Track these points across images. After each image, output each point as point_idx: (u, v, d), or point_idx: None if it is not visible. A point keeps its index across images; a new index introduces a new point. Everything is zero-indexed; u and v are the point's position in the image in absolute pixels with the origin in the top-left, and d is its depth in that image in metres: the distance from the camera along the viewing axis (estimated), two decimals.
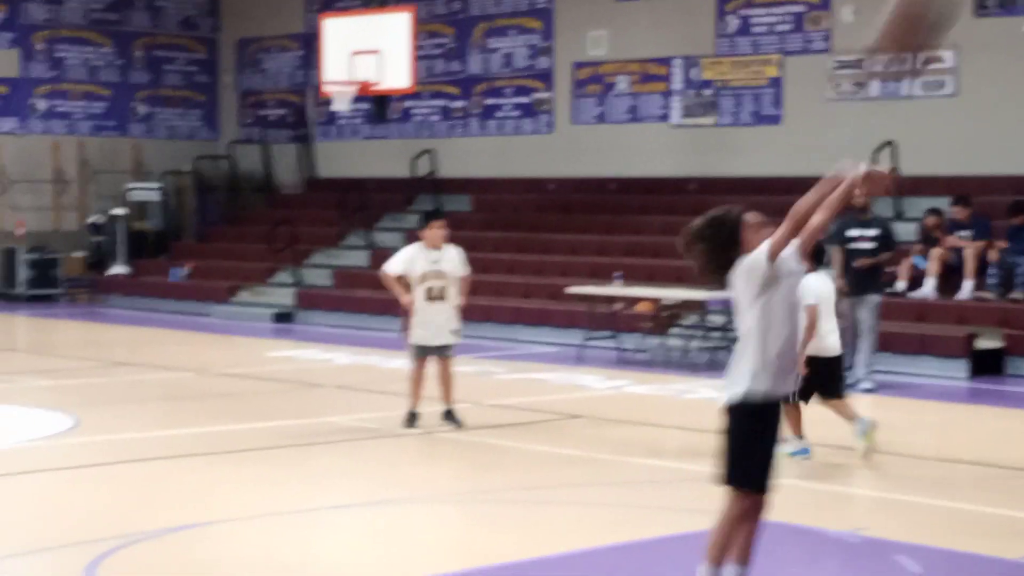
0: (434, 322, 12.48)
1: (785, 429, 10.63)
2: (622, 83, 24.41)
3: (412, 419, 12.51)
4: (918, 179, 20.19)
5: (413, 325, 12.47)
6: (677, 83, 23.71)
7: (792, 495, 10.13)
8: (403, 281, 12.60)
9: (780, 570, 8.11)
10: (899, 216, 19.91)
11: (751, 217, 6.32)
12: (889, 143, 20.27)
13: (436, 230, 12.53)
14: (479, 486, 10.52)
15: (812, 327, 10.78)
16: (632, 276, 19.99)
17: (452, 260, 12.63)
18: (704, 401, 14.97)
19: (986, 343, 16.92)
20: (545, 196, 24.87)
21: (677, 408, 14.60)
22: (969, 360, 16.72)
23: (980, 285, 17.93)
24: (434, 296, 12.49)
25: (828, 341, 11.14)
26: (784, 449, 11.48)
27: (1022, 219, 17.95)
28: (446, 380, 12.60)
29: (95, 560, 8.04)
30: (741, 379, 6.12)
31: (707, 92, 23.40)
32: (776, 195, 21.69)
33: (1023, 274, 17.58)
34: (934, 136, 20.59)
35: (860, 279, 15.40)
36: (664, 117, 23.88)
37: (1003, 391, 15.96)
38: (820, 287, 11.14)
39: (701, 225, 6.32)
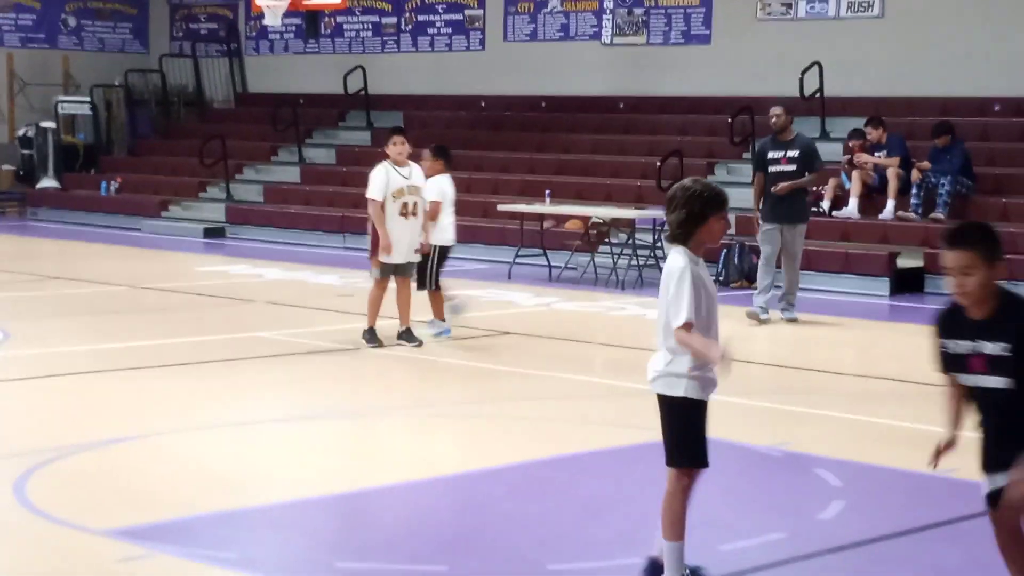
0: (403, 240, 12.50)
1: (428, 313, 12.78)
2: (554, 1, 24.41)
3: (373, 335, 12.58)
4: (844, 99, 20.44)
5: (383, 244, 12.42)
6: (608, 1, 23.74)
7: (717, 410, 10.38)
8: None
9: (705, 485, 8.33)
10: (825, 136, 20.16)
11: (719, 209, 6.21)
12: (816, 63, 20.47)
13: (400, 145, 12.60)
14: (413, 401, 10.69)
15: (433, 218, 12.80)
16: (562, 194, 20.16)
17: (420, 176, 12.74)
18: (632, 318, 15.21)
19: (907, 262, 17.25)
20: (477, 113, 24.91)
21: (605, 325, 14.82)
22: (891, 278, 17.06)
23: (903, 205, 18.25)
24: (408, 212, 12.53)
25: (449, 233, 13.04)
26: (430, 331, 12.74)
27: (945, 140, 18.25)
28: (406, 300, 12.68)
29: (26, 472, 8.13)
30: (680, 378, 6.16)
31: (638, 11, 23.45)
32: (705, 114, 21.95)
33: (945, 194, 17.90)
34: (860, 57, 20.81)
35: (783, 205, 14.37)
36: (595, 35, 23.93)
37: (923, 308, 16.31)
38: (444, 186, 12.94)
39: (682, 192, 6.24)
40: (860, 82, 20.60)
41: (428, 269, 12.87)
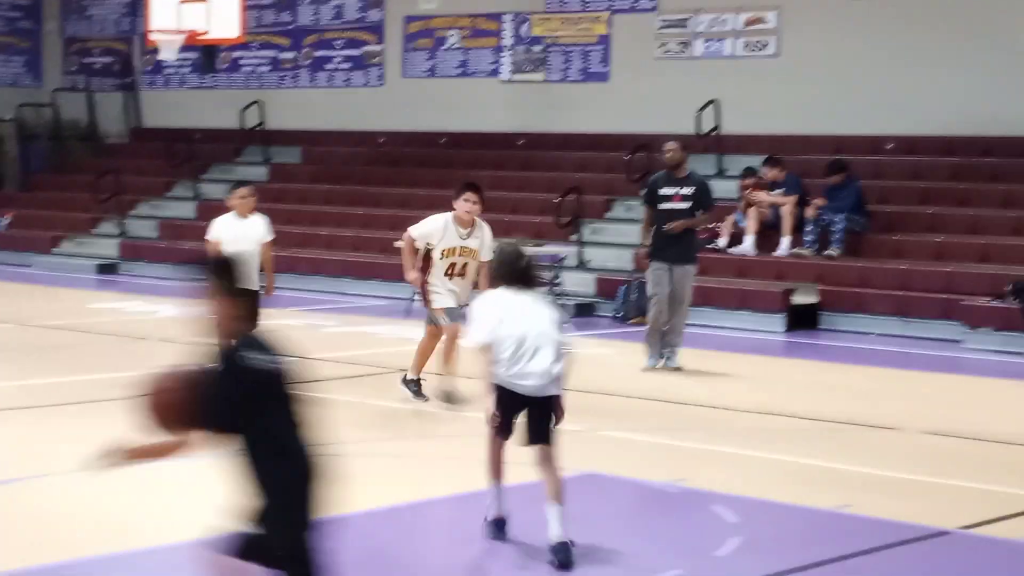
0: (445, 296, 11.81)
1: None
2: (453, 37, 24.45)
3: (418, 388, 12.18)
4: (740, 137, 20.63)
5: (407, 277, 11.98)
6: (507, 39, 23.82)
7: (615, 447, 10.37)
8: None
9: (602, 521, 8.32)
10: (721, 174, 20.34)
11: None
12: (712, 102, 20.67)
13: (470, 203, 11.69)
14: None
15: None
16: None
17: (484, 238, 11.79)
18: None
19: (802, 298, 17.42)
20: (376, 149, 24.83)
21: None
22: (786, 315, 17.21)
23: (798, 242, 18.44)
24: (454, 273, 11.74)
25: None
26: None
27: (839, 178, 18.48)
28: (430, 350, 12.18)
29: None
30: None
31: (537, 48, 23.55)
32: (605, 151, 22.05)
33: (839, 231, 18.11)
34: (756, 95, 21.03)
35: (675, 244, 13.77)
36: (495, 72, 23.98)
37: (818, 345, 16.46)
38: (226, 229, 12.48)
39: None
40: (756, 120, 20.81)
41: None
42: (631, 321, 17.51)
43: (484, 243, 11.67)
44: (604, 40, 22.86)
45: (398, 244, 12.33)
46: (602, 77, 22.91)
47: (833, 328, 17.15)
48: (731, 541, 7.83)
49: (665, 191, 13.88)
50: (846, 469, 9.73)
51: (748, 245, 18.64)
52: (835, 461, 9.99)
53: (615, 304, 18.03)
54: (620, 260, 19.35)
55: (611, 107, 22.48)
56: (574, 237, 19.76)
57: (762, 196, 18.69)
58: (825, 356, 15.66)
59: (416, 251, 11.69)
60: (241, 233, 12.51)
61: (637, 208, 20.39)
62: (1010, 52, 19.18)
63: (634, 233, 19.77)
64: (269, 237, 12.80)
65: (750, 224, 18.68)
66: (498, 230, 20.55)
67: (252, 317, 5.20)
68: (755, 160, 19.52)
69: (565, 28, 23.24)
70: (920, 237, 18.11)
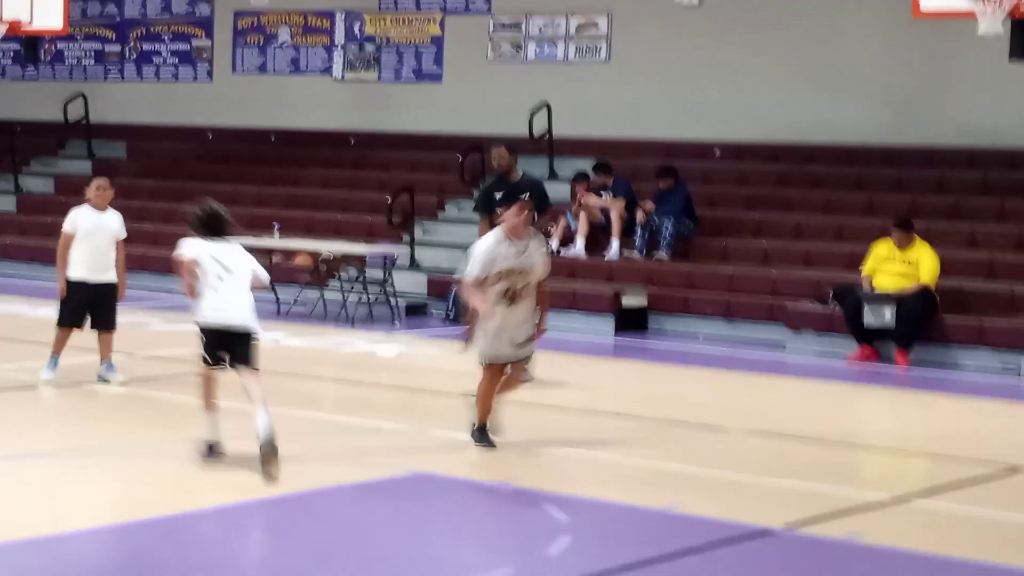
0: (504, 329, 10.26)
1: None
2: (284, 34, 24.19)
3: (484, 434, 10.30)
4: (572, 141, 20.76)
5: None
6: (339, 37, 23.65)
7: (446, 448, 10.33)
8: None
9: (431, 521, 8.27)
10: (553, 177, 20.45)
11: None
12: (544, 105, 20.77)
13: (518, 216, 10.07)
14: (131, 439, 10.32)
15: (62, 254, 12.13)
16: (292, 228, 19.90)
17: (539, 251, 10.23)
18: (361, 354, 15.07)
19: (631, 301, 17.58)
20: (204, 145, 24.45)
21: (334, 361, 14.64)
22: (615, 316, 17.35)
23: (627, 245, 18.61)
24: (513, 297, 10.06)
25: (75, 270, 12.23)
26: (108, 374, 12.18)
27: (668, 183, 18.70)
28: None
29: None
30: None
31: (369, 47, 23.43)
32: (436, 151, 22.01)
33: (668, 235, 18.32)
34: (588, 100, 21.18)
35: None
36: (327, 70, 23.79)
37: (646, 346, 16.63)
38: (83, 220, 12.21)
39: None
40: (587, 124, 20.96)
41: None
42: (463, 321, 17.48)
43: (541, 254, 10.19)
44: (437, 41, 22.83)
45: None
46: (435, 78, 22.88)
47: (661, 330, 17.35)
48: (560, 540, 7.84)
49: (500, 195, 13.29)
50: (673, 469, 9.82)
51: (579, 248, 18.76)
52: (662, 461, 10.08)
53: (447, 304, 17.99)
54: (452, 260, 19.32)
55: (444, 108, 22.46)
56: (406, 237, 19.68)
57: (592, 199, 18.84)
58: (653, 358, 15.82)
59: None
60: (97, 225, 12.25)
61: (469, 208, 20.42)
62: (834, 62, 19.61)
63: (466, 234, 19.75)
64: (123, 235, 12.52)
65: (581, 227, 18.81)
66: (329, 228, 20.53)
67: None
68: (586, 163, 19.66)
69: (398, 28, 23.16)
70: (746, 241, 18.40)
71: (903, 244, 15.89)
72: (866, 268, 16.04)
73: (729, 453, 10.44)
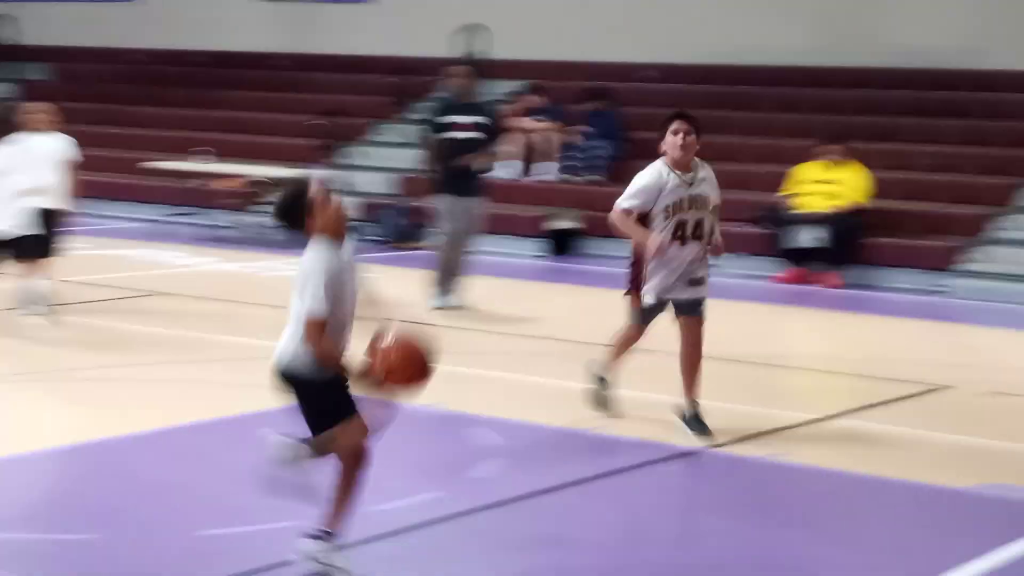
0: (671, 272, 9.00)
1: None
2: None
3: (604, 384, 9.23)
4: (503, 63, 20.64)
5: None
6: None
7: None
8: None
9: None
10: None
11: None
12: (477, 25, 20.63)
13: (680, 135, 8.85)
14: (60, 364, 10.24)
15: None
16: (224, 152, 19.71)
17: (710, 180, 8.97)
18: (286, 278, 15.02)
19: (565, 223, 17.57)
20: (134, 68, 24.11)
21: (260, 285, 14.58)
22: (549, 240, 17.35)
23: (561, 168, 18.58)
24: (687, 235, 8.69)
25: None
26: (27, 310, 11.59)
27: (599, 105, 18.66)
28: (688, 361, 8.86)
29: None
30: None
31: None
32: (368, 73, 21.83)
33: (601, 158, 18.30)
34: (521, 20, 21.04)
35: (467, 176, 12.75)
36: None
37: (581, 270, 16.67)
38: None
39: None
40: (521, 46, 20.82)
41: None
42: (396, 245, 17.44)
43: (713, 184, 8.91)
44: None
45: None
46: None
47: (596, 253, 17.36)
48: (491, 462, 7.88)
49: (455, 119, 12.80)
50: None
51: (513, 170, 18.70)
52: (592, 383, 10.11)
53: (380, 228, 17.91)
54: (384, 184, 19.23)
55: (375, 29, 22.24)
56: (335, 161, 19.55)
57: (527, 122, 18.76)
58: (587, 281, 15.84)
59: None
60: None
61: (402, 131, 20.31)
62: None
63: (398, 156, 19.67)
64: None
65: (516, 150, 18.75)
66: (259, 153, 20.34)
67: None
68: (519, 86, 19.57)
69: None
70: None
71: (837, 160, 15.97)
72: (789, 189, 16.13)
73: (655, 375, 10.48)
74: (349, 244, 6.09)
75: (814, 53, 19.17)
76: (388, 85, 20.69)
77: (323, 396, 6.03)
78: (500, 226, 17.26)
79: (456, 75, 13.31)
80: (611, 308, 14.01)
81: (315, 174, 6.55)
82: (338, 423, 6.03)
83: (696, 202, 8.60)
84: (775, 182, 16.87)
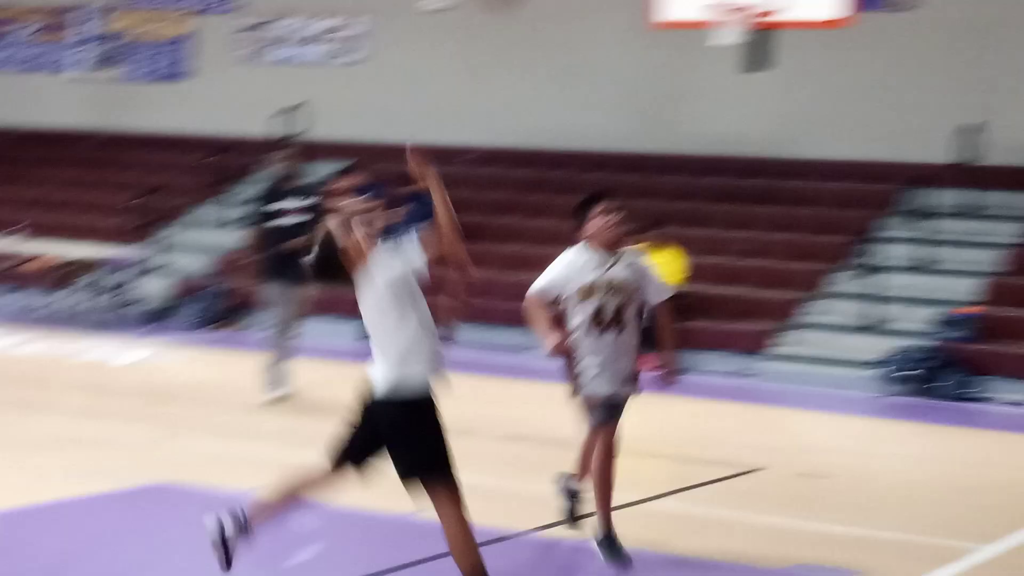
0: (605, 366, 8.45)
1: None
2: (22, 30, 23.44)
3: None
4: (327, 144, 20.63)
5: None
6: (82, 33, 23.04)
7: (186, 457, 10.13)
8: None
9: (173, 532, 8.09)
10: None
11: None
12: (299, 105, 20.61)
13: (603, 216, 8.21)
14: None
15: None
16: (39, 231, 19.29)
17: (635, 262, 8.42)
18: (103, 360, 14.70)
19: None
20: None
21: (72, 367, 14.25)
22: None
23: None
24: (603, 322, 8.13)
25: None
26: None
27: (420, 187, 18.69)
28: (598, 462, 8.22)
29: None
30: None
31: (113, 45, 22.88)
32: (185, 153, 21.62)
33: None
34: (343, 101, 21.09)
35: (295, 260, 11.93)
36: (68, 67, 23.15)
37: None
38: None
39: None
40: (341, 126, 20.84)
41: None
42: (213, 327, 17.22)
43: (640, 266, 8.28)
44: (185, 39, 22.43)
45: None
46: (182, 76, 22.48)
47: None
48: (306, 549, 7.76)
49: (283, 203, 12.59)
50: None
51: None
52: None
53: (195, 308, 17.67)
54: (200, 264, 19.00)
55: (191, 108, 22.08)
56: (152, 240, 19.28)
57: (348, 203, 18.72)
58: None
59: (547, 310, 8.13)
60: None
61: (219, 212, 20.12)
62: (580, 69, 19.93)
63: (216, 237, 19.47)
64: None
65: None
66: (73, 231, 19.92)
67: None
68: (339, 166, 19.55)
69: (146, 25, 22.68)
70: (497, 246, 18.54)
71: (652, 245, 16.25)
72: None
73: (477, 457, 10.48)
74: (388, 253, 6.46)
75: (632, 139, 19.55)
76: (206, 165, 20.51)
77: (428, 417, 6.34)
78: (322, 308, 17.17)
79: (280, 158, 13.07)
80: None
81: (330, 221, 6.52)
82: (441, 465, 6.20)
83: (614, 286, 8.03)
84: None
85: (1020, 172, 17.58)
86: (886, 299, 15.91)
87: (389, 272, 6.36)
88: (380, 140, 20.74)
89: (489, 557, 7.89)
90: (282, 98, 20.81)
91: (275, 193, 12.70)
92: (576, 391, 8.04)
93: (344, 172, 19.21)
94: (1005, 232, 17.01)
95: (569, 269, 8.02)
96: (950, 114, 17.66)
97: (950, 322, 15.38)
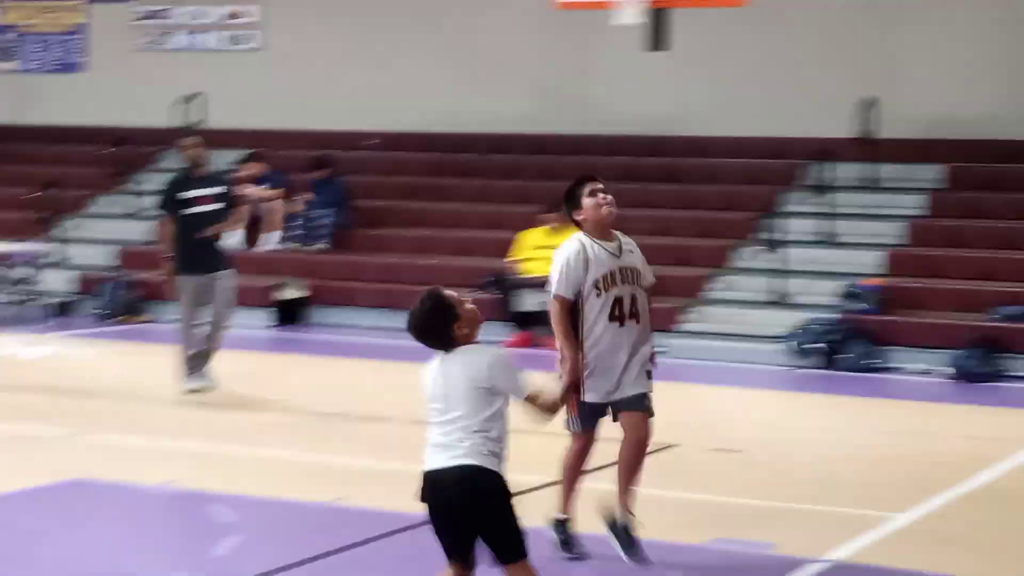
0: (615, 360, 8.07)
1: None
2: None
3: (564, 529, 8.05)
4: (226, 132, 20.44)
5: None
6: None
7: (103, 452, 10.05)
8: None
9: (93, 528, 8.03)
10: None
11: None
12: (196, 95, 20.41)
13: (599, 198, 8.01)
14: None
15: None
16: None
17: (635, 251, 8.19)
18: (8, 356, 14.52)
19: (290, 293, 17.46)
20: None
21: None
22: (274, 309, 17.22)
23: (287, 237, 18.49)
24: (623, 314, 7.76)
25: None
26: None
27: (323, 173, 18.67)
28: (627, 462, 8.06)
29: None
30: None
31: (9, 36, 22.52)
32: (80, 144, 21.32)
33: (327, 226, 18.29)
34: (240, 89, 20.92)
35: (209, 251, 12.35)
36: None
37: (307, 339, 16.57)
38: None
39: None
40: (239, 115, 20.67)
41: None
42: (118, 319, 17.04)
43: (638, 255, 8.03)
44: (80, 29, 22.13)
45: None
46: (78, 68, 22.18)
47: (322, 322, 17.29)
48: (228, 540, 7.74)
49: (191, 193, 12.35)
50: (339, 462, 9.82)
51: (235, 240, 18.48)
52: (328, 454, 10.06)
53: (99, 302, 17.47)
54: (103, 256, 18.77)
55: (88, 99, 21.79)
56: (53, 234, 19.02)
57: (249, 191, 18.61)
58: (313, 350, 15.75)
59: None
60: None
61: (121, 203, 19.90)
62: (483, 52, 19.94)
63: (118, 229, 19.26)
64: None
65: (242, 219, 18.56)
66: None
67: None
68: (239, 155, 19.43)
69: (39, 16, 22.34)
70: (404, 231, 18.53)
71: (557, 226, 16.32)
72: (515, 255, 16.40)
73: (393, 443, 10.50)
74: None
75: (534, 121, 19.59)
76: (107, 156, 20.25)
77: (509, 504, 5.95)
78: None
79: (188, 146, 12.85)
80: (338, 376, 13.99)
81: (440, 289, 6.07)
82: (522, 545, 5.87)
83: (627, 275, 7.68)
84: (502, 248, 17.12)
85: (918, 144, 17.87)
86: (791, 273, 16.11)
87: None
88: (280, 127, 20.63)
89: (405, 542, 7.93)
90: (180, 87, 20.60)
91: (184, 182, 12.53)
92: (576, 392, 7.64)
93: (245, 160, 19.17)
94: (906, 204, 17.28)
95: (579, 261, 7.63)
96: (851, 89, 17.88)
97: (853, 294, 15.61)
